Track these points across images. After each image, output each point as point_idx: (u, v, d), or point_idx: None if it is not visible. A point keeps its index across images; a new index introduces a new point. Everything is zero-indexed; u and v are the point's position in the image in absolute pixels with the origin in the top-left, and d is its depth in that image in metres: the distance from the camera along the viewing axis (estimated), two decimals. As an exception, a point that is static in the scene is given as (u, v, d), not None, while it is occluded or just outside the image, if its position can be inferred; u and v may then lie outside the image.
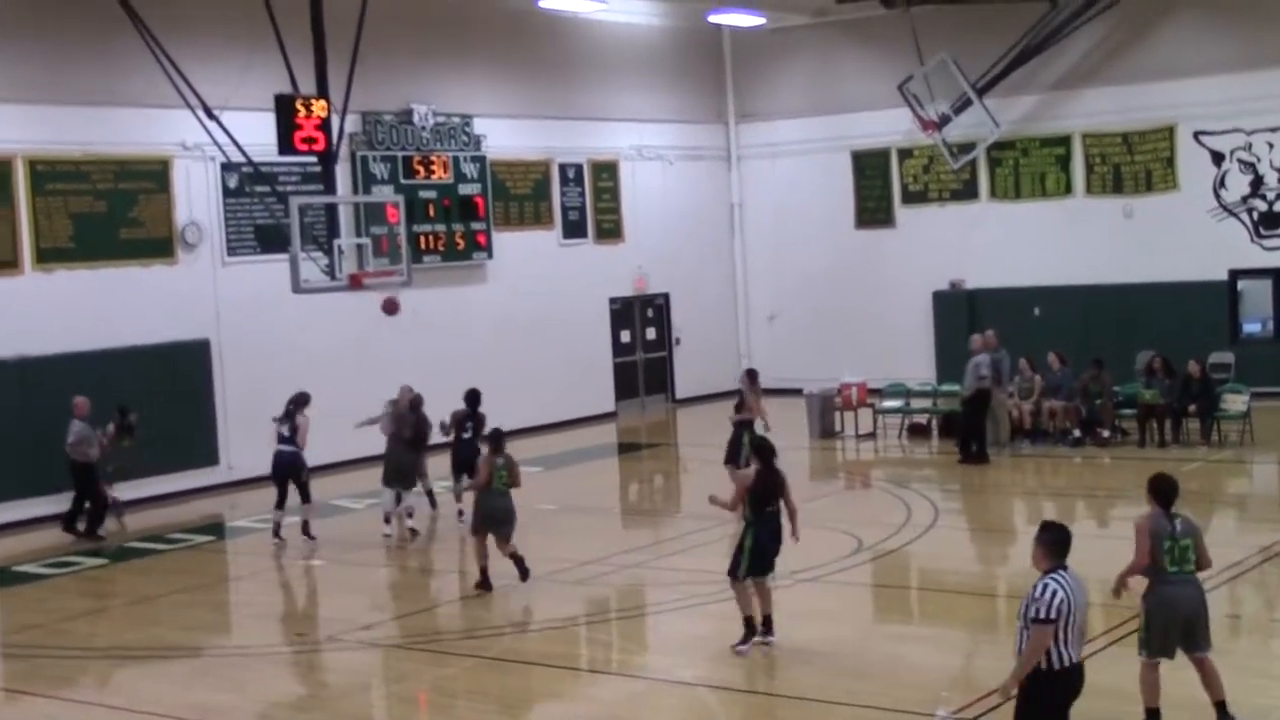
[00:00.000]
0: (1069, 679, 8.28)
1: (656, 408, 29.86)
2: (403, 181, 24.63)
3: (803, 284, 30.50)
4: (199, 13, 21.64)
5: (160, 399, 21.03)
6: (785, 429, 25.37)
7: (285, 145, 19.06)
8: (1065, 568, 8.32)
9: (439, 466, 19.32)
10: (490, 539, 15.06)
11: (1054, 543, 8.37)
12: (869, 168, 29.66)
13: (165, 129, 21.21)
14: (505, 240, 26.52)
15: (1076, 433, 22.56)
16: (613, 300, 29.14)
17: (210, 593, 16.49)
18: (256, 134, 20.10)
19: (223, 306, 22.29)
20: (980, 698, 10.77)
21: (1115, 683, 10.46)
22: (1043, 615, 8.16)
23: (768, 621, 12.56)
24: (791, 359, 30.06)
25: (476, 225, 25.92)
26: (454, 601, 15.29)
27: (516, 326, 26.46)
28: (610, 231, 28.96)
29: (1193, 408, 22.13)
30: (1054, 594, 8.17)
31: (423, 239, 24.84)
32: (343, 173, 22.64)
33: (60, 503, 20.02)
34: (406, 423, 18.69)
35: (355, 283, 19.76)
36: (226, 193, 22.39)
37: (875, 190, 29.67)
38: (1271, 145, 25.63)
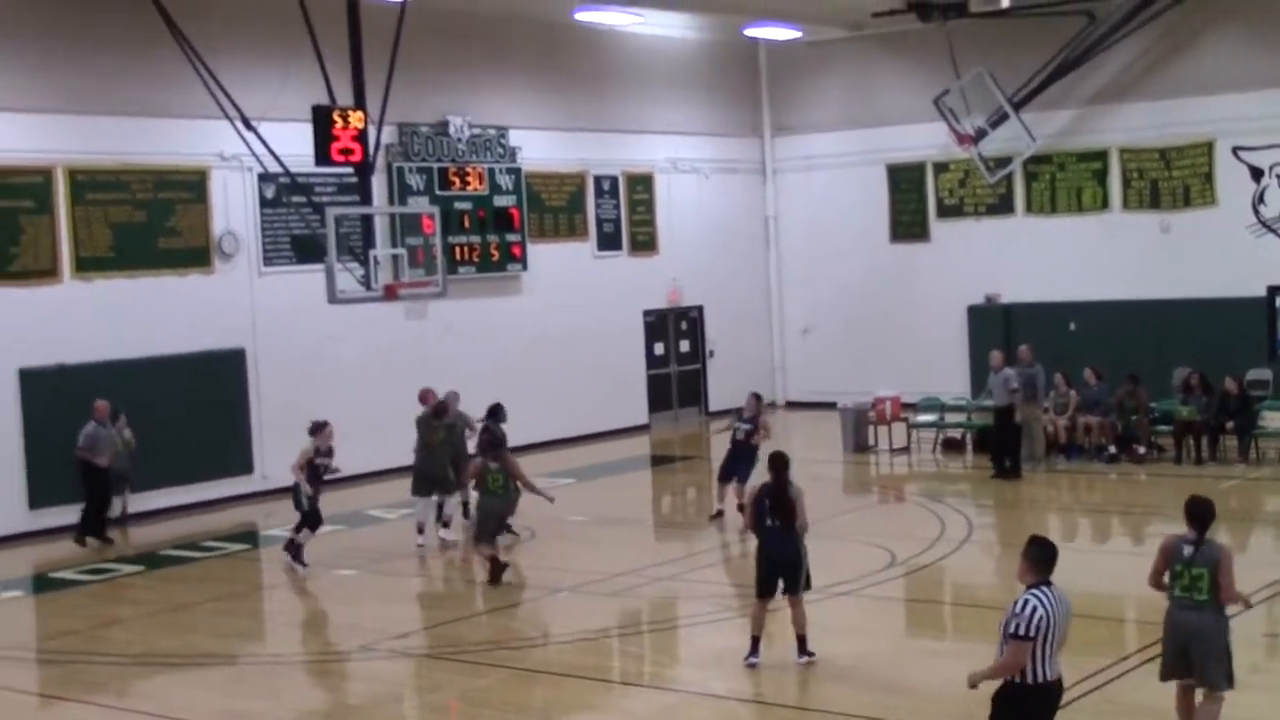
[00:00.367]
0: (1045, 695, 8.23)
1: (689, 420, 29.85)
2: (438, 193, 24.71)
3: (837, 297, 30.46)
4: (238, 25, 21.80)
5: (196, 408, 21.17)
6: (818, 443, 25.40)
7: (322, 156, 19.16)
8: (1049, 583, 8.27)
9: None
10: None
11: (1038, 558, 8.33)
12: (904, 181, 29.61)
13: (204, 140, 21.36)
14: (540, 252, 26.58)
15: (1112, 449, 22.45)
16: (647, 313, 29.16)
17: (245, 600, 16.58)
18: (293, 145, 20.22)
19: (259, 316, 22.40)
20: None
21: (1147, 700, 10.39)
22: (1021, 632, 8.14)
23: (800, 641, 12.42)
24: (825, 372, 30.04)
25: (511, 237, 25.99)
26: (487, 612, 15.31)
27: (550, 338, 26.51)
28: (645, 244, 28.99)
29: (1230, 424, 22.01)
30: (1034, 610, 8.14)
31: (458, 250, 24.92)
32: (379, 184, 22.72)
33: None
34: (430, 428, 18.73)
35: (390, 293, 19.84)
36: (263, 203, 22.52)
37: (910, 204, 29.61)
38: (1311, 161, 25.49)
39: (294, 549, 17.23)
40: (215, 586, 16.87)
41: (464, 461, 18.71)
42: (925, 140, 28.64)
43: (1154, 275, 26.44)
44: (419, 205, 23.83)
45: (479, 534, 16.59)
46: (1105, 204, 27.41)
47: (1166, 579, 9.73)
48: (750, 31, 29.10)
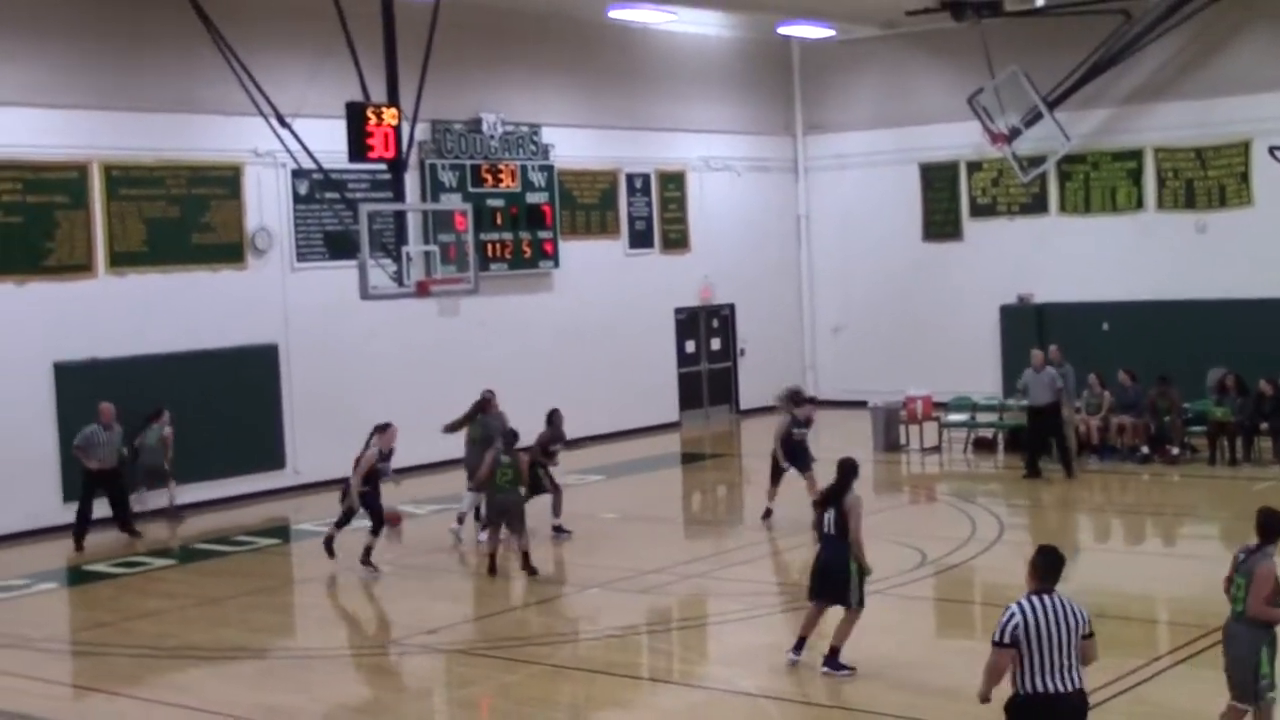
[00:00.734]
0: (1044, 709, 8.06)
1: (720, 418, 29.84)
2: (471, 190, 24.77)
3: (869, 296, 30.40)
4: (273, 22, 21.88)
5: (228, 403, 21.27)
6: (849, 441, 25.29)
7: (356, 152, 19.22)
8: (1048, 592, 8.15)
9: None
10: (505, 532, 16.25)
11: (1037, 565, 8.26)
12: (937, 180, 29.52)
13: (238, 136, 21.46)
14: (572, 249, 26.61)
15: (1144, 449, 22.35)
16: (678, 310, 29.15)
17: (276, 595, 16.66)
18: (327, 141, 20.30)
19: (291, 312, 22.49)
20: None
21: (1178, 701, 10.34)
22: (995, 638, 8.14)
23: (831, 652, 12.17)
24: (857, 371, 29.99)
25: (543, 234, 26.03)
26: (518, 608, 15.35)
27: (582, 335, 26.54)
28: (677, 242, 28.99)
29: (1265, 426, 21.88)
30: (1010, 618, 8.09)
31: (490, 247, 24.97)
32: (411, 180, 22.78)
33: (131, 503, 20.34)
34: (472, 422, 18.81)
35: (423, 290, 19.88)
36: (297, 199, 22.61)
37: (943, 203, 29.53)
38: (1348, 161, 25.31)
39: (366, 555, 16.74)
40: (247, 580, 16.96)
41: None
42: (959, 139, 28.55)
43: (1189, 275, 26.28)
44: (451, 202, 23.89)
45: (487, 525, 16.70)
46: (1140, 204, 27.27)
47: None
48: (783, 30, 29.06)
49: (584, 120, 26.98)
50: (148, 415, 20.26)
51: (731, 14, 28.31)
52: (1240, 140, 26.03)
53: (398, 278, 19.86)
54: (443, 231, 22.85)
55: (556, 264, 26.31)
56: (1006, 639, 8.08)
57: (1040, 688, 8.03)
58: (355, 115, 19.03)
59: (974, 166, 28.95)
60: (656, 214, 28.57)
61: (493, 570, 16.22)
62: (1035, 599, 8.12)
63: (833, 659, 12.11)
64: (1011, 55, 27.13)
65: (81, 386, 19.79)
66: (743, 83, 30.12)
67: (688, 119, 28.98)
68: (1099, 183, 27.67)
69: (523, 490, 16.66)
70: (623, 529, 18.53)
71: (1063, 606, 8.11)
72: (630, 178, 28.01)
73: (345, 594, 16.41)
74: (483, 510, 17.75)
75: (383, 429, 17.11)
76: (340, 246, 22.03)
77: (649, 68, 28.25)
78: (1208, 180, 26.48)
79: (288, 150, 20.34)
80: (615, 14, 26.13)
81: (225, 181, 21.83)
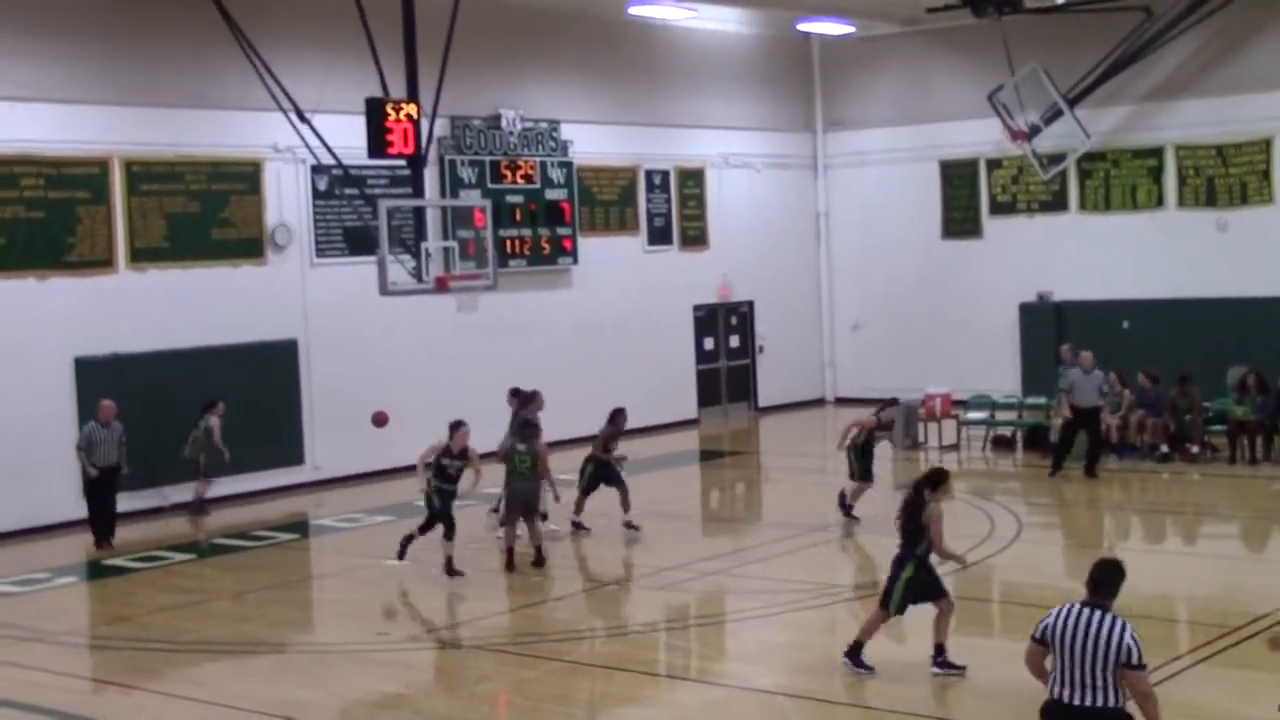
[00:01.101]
0: (1053, 714, 8.02)
1: (739, 415, 29.83)
2: (490, 186, 24.79)
3: (888, 294, 30.35)
4: (292, 18, 21.93)
5: (247, 398, 21.30)
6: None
7: (375, 148, 19.25)
8: (1095, 606, 7.98)
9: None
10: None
11: (1090, 578, 8.15)
12: (957, 178, 29.46)
13: (257, 131, 21.50)
14: (591, 245, 26.61)
15: (1164, 448, 22.28)
16: (697, 307, 29.15)
17: (295, 590, 16.69)
18: (346, 137, 20.34)
19: (311, 307, 22.54)
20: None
21: (1198, 700, 10.30)
22: (1033, 632, 8.18)
23: (936, 649, 11.97)
24: (875, 369, 29.95)
25: (562, 230, 26.03)
26: (536, 604, 15.35)
27: (600, 332, 26.55)
28: (696, 238, 28.98)
29: (1286, 424, 21.81)
30: (1046, 616, 8.10)
31: (509, 243, 24.99)
32: (431, 176, 22.82)
33: (148, 499, 20.45)
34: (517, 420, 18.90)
35: (442, 285, 19.90)
36: (316, 195, 22.65)
37: (963, 200, 29.47)
38: (1370, 159, 25.20)
39: (448, 565, 16.15)
40: (266, 575, 17.00)
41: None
42: (978, 136, 28.48)
43: (1210, 274, 26.19)
44: (470, 198, 23.91)
45: (504, 519, 16.74)
46: (1160, 201, 27.17)
47: None
48: (803, 26, 29.04)
49: (603, 117, 26.99)
50: (203, 406, 20.39)
51: (751, 10, 28.30)
52: (1262, 137, 25.93)
53: (417, 274, 19.89)
54: (462, 227, 22.87)
55: (575, 260, 26.31)
56: (1036, 634, 8.11)
57: (1057, 695, 8.00)
58: (375, 111, 19.06)
59: (994, 164, 28.88)
60: (675, 211, 28.56)
61: (510, 566, 16.24)
62: (1074, 607, 8.03)
63: (937, 654, 11.93)
64: (1032, 52, 27.06)
65: (102, 382, 19.84)
66: (762, 79, 30.09)
67: (707, 115, 28.97)
68: (1119, 180, 27.58)
69: (547, 483, 16.75)
70: (641, 526, 18.49)
71: (1099, 625, 7.90)
72: (649, 174, 28.00)
73: (363, 589, 16.42)
74: (501, 505, 17.75)
75: (455, 426, 16.52)
76: (359, 242, 22.08)
77: (668, 64, 28.24)
78: (1229, 178, 26.37)
79: (307, 146, 20.37)
80: (635, 10, 26.12)
81: (245, 177, 21.88)
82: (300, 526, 20.21)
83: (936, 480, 12.32)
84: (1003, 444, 24.40)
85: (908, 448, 24.50)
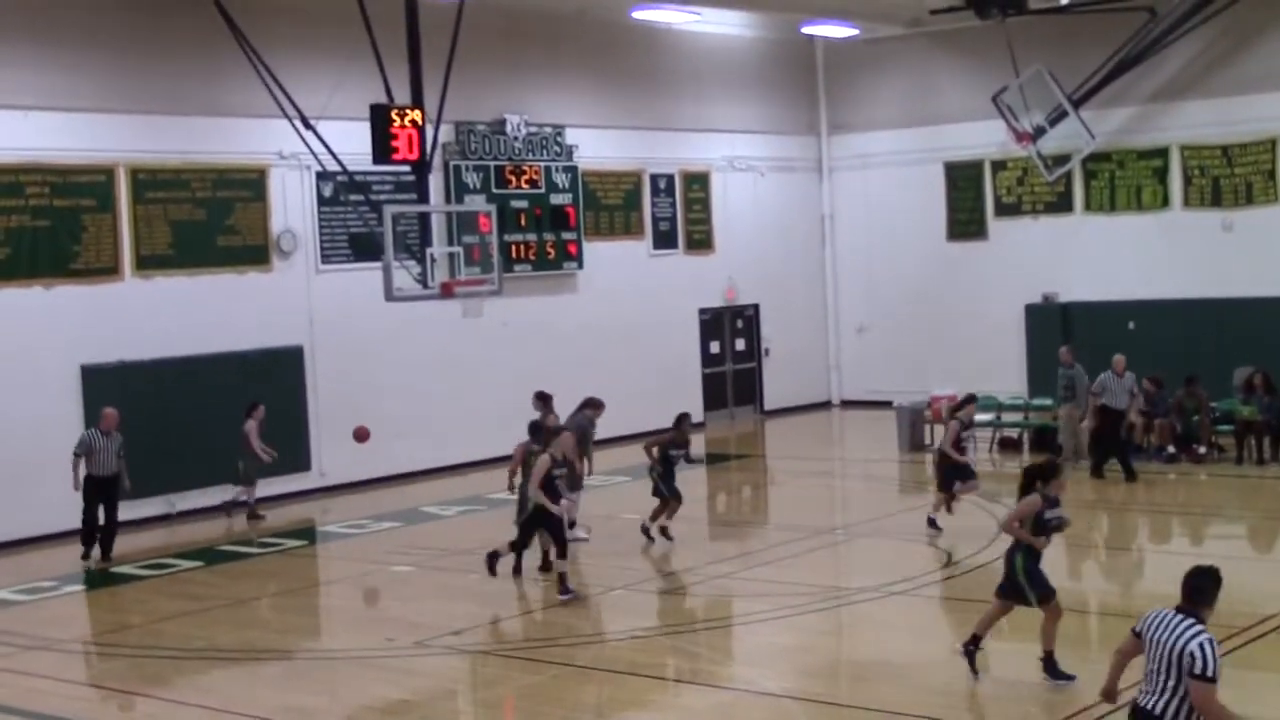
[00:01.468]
0: (1131, 712, 7.95)
1: (745, 418, 29.82)
2: (495, 191, 24.80)
3: (893, 296, 30.34)
4: (297, 25, 21.95)
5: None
6: (874, 442, 25.31)
7: (380, 154, 19.28)
8: (1184, 611, 7.86)
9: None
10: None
11: (1183, 584, 8.02)
12: (962, 179, 29.45)
13: (263, 138, 21.54)
14: (596, 250, 26.63)
15: (1171, 449, 22.25)
16: (702, 311, 29.15)
17: (302, 596, 16.70)
18: (351, 143, 20.37)
19: (316, 314, 22.56)
20: (1067, 717, 10.67)
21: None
22: (1134, 625, 8.09)
23: (1044, 657, 11.62)
24: (881, 371, 29.95)
25: (567, 235, 26.04)
26: (543, 609, 15.35)
27: (606, 336, 26.55)
28: (701, 242, 28.98)
29: (1292, 425, 21.77)
30: (1148, 612, 8.01)
31: (514, 248, 25.00)
32: (435, 182, 22.85)
33: (154, 506, 20.45)
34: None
35: (447, 291, 19.93)
36: (321, 201, 22.67)
37: (968, 202, 29.45)
38: (1376, 158, 25.17)
39: (561, 584, 15.35)
40: (274, 582, 17.02)
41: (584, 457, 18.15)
42: (983, 138, 28.47)
43: (1215, 274, 26.16)
44: (475, 203, 23.93)
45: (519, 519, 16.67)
46: (1166, 202, 27.14)
47: None
48: (807, 29, 29.04)
49: (608, 121, 27.00)
50: (245, 409, 20.46)
51: (755, 14, 28.31)
52: (1267, 138, 25.90)
53: (422, 279, 19.92)
54: (467, 233, 22.91)
55: (580, 265, 26.32)
56: (1136, 627, 8.04)
57: (1138, 693, 7.94)
58: (379, 117, 19.10)
59: (999, 165, 28.87)
60: (680, 214, 28.56)
61: (518, 570, 16.23)
62: (1167, 611, 7.93)
63: (1046, 662, 11.62)
64: (1036, 53, 27.05)
65: (108, 389, 19.86)
66: (766, 82, 30.10)
67: (711, 119, 28.97)
68: (1124, 181, 27.56)
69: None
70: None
71: (1177, 631, 7.76)
72: (654, 178, 28.01)
73: (370, 595, 16.45)
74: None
75: (557, 432, 16.07)
76: (365, 248, 22.10)
77: (672, 68, 28.24)
78: (1234, 178, 26.34)
79: (312, 153, 20.41)
80: (639, 14, 26.13)
81: (250, 184, 21.90)
82: (307, 533, 20.22)
83: (1050, 472, 11.80)
84: (1009, 445, 24.39)
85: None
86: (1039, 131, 27.40)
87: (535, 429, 16.98)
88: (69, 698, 12.78)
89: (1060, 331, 26.74)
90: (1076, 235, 28.05)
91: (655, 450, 17.88)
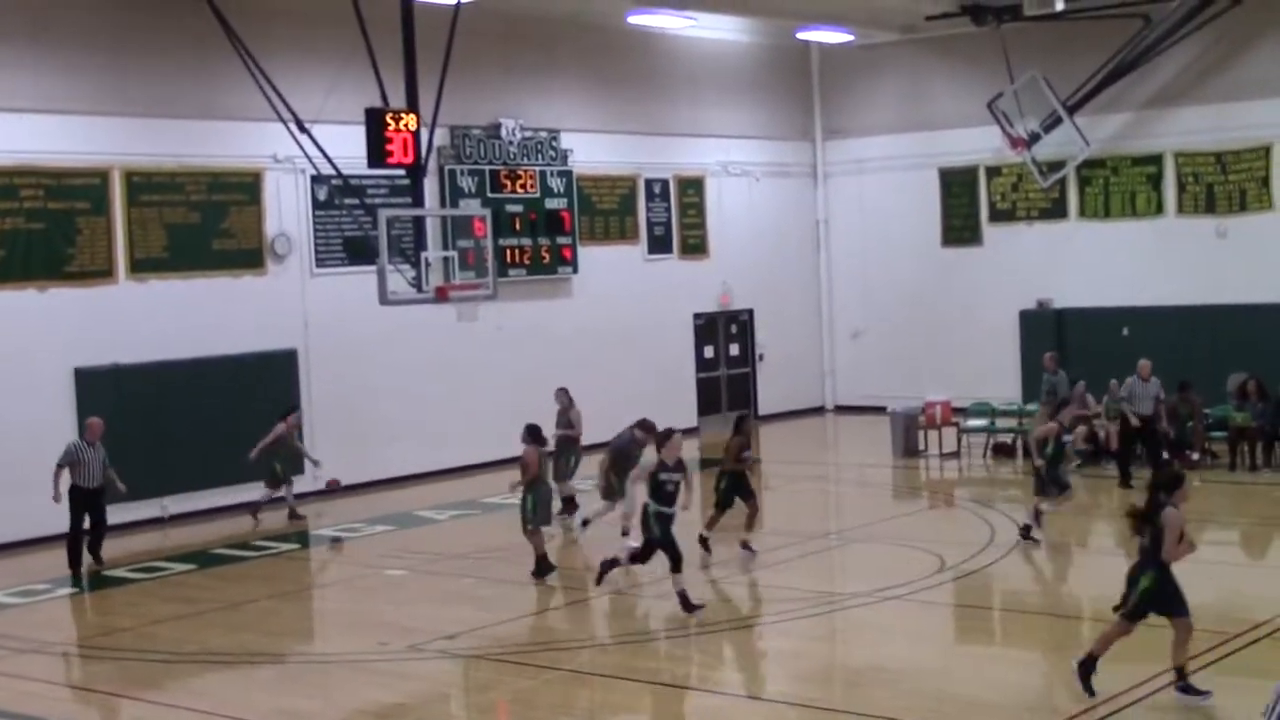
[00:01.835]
0: None
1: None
2: (490, 195, 24.80)
3: (888, 302, 30.36)
4: (292, 28, 21.95)
5: (248, 408, 21.28)
6: (868, 447, 25.33)
7: (375, 158, 19.28)
8: None
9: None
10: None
11: None
12: (956, 185, 29.47)
13: (258, 142, 21.53)
14: (591, 254, 26.63)
15: (1165, 455, 22.26)
16: (697, 315, 29.16)
17: (295, 600, 16.69)
18: (346, 147, 20.38)
19: (311, 317, 22.54)
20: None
21: (1197, 709, 10.28)
22: None
23: (1176, 672, 11.10)
24: (875, 377, 29.95)
25: (562, 239, 26.04)
26: (537, 613, 15.35)
27: (600, 341, 26.55)
28: (695, 247, 28.99)
29: (1286, 431, 21.80)
30: None
31: (509, 252, 25.00)
32: (430, 186, 22.85)
33: (150, 509, 20.43)
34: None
35: (442, 295, 19.93)
36: (316, 205, 22.66)
37: (963, 208, 29.48)
38: (1369, 165, 25.21)
39: (684, 601, 14.44)
40: (266, 585, 16.99)
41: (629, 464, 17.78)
42: (978, 144, 28.51)
43: (1209, 280, 26.19)
44: (470, 208, 23.93)
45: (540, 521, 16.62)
46: (1160, 208, 27.18)
47: None
48: (802, 35, 29.05)
49: (603, 125, 27.01)
50: (283, 412, 20.60)
51: (750, 19, 28.32)
52: (1261, 144, 25.94)
53: (417, 283, 19.92)
54: (462, 237, 22.92)
55: (575, 269, 26.32)
56: None
57: None
58: (374, 121, 19.10)
59: (993, 171, 28.90)
60: (675, 219, 28.57)
61: (539, 574, 16.29)
62: None
63: (1178, 676, 11.13)
64: (1031, 60, 27.09)
65: (102, 393, 19.85)
66: (762, 88, 30.12)
67: (706, 124, 29.00)
68: (1119, 187, 27.60)
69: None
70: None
71: None
72: (649, 183, 28.02)
73: (364, 599, 16.42)
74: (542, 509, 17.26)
75: (665, 437, 15.08)
76: (359, 252, 22.07)
77: (668, 73, 28.26)
78: (1228, 185, 26.38)
79: (307, 156, 20.40)
80: (634, 19, 26.14)
81: (245, 187, 21.89)
82: (301, 536, 20.19)
83: (1174, 482, 11.37)
84: (1003, 451, 24.40)
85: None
86: (1034, 137, 27.44)
87: (534, 431, 16.82)
88: (62, 701, 12.77)
89: (1054, 337, 26.77)
90: (1071, 241, 28.09)
91: (733, 458, 17.27)
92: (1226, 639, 12.60)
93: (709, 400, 29.43)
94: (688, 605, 14.32)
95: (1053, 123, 27.16)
